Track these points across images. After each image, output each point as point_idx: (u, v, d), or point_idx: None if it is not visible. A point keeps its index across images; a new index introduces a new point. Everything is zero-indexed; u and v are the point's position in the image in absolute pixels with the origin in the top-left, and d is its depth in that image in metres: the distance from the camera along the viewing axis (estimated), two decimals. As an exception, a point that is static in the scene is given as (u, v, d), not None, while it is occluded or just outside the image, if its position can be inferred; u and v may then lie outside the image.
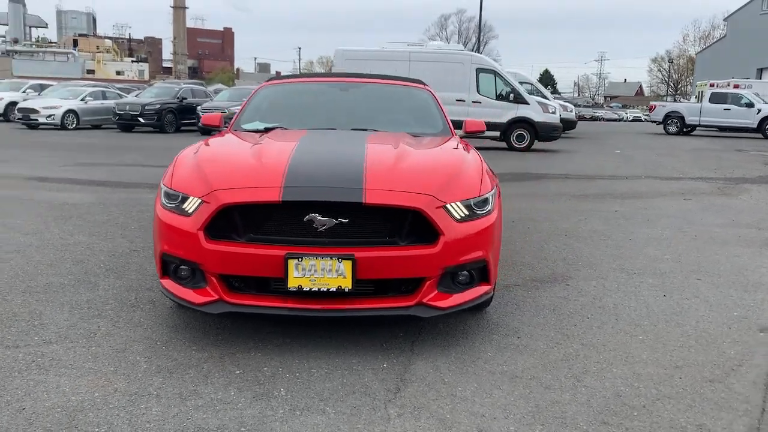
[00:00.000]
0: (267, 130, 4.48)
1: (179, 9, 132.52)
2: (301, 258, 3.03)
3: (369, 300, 3.17)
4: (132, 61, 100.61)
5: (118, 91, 25.25)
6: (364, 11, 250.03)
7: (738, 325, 3.78)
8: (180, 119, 21.95)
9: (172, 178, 3.44)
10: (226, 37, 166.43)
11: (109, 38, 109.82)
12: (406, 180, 3.26)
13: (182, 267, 3.28)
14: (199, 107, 21.42)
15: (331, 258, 3.03)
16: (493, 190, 3.52)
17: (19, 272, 4.45)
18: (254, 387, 2.85)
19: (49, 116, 21.16)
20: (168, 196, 3.36)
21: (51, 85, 26.57)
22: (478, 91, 16.59)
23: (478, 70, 16.56)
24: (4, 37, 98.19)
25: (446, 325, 3.66)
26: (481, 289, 3.43)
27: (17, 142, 16.41)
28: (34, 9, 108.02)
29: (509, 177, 11.18)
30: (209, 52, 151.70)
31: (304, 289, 3.06)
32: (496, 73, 16.74)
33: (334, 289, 3.06)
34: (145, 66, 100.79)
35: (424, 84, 5.34)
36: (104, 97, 23.39)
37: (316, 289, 3.05)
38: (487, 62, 17.27)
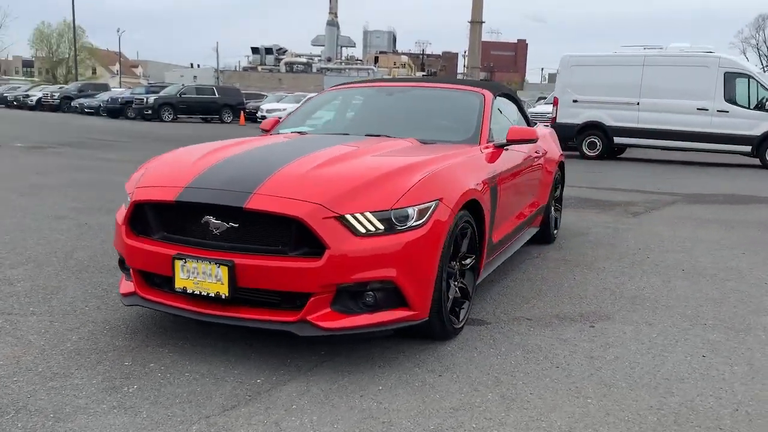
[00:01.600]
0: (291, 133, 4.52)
1: (476, 24, 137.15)
2: (186, 260, 3.02)
3: (250, 310, 3.02)
4: (422, 75, 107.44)
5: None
6: (666, 18, 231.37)
7: (753, 409, 2.75)
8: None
9: (130, 178, 3.68)
10: (518, 49, 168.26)
11: (406, 54, 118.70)
12: (305, 187, 3.03)
13: (121, 259, 3.50)
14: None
15: (211, 262, 2.97)
16: (426, 204, 3.08)
17: (98, 253, 5.14)
18: (117, 380, 2.92)
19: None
20: (126, 195, 3.60)
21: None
22: (727, 99, 14.31)
23: (728, 75, 14.29)
24: (320, 56, 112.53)
25: (382, 348, 3.31)
26: (394, 314, 3.04)
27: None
28: (346, 31, 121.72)
29: (720, 199, 9.48)
30: (501, 64, 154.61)
31: (188, 291, 3.04)
32: (750, 77, 14.26)
33: (213, 295, 2.99)
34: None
35: (483, 88, 4.82)
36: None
37: (198, 293, 3.02)
38: (740, 65, 14.81)
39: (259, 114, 29.19)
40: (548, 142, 5.71)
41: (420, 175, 3.22)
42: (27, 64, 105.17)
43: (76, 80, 52.24)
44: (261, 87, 64.69)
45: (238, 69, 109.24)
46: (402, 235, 2.99)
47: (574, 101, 15.67)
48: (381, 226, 2.97)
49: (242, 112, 31.88)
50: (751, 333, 3.67)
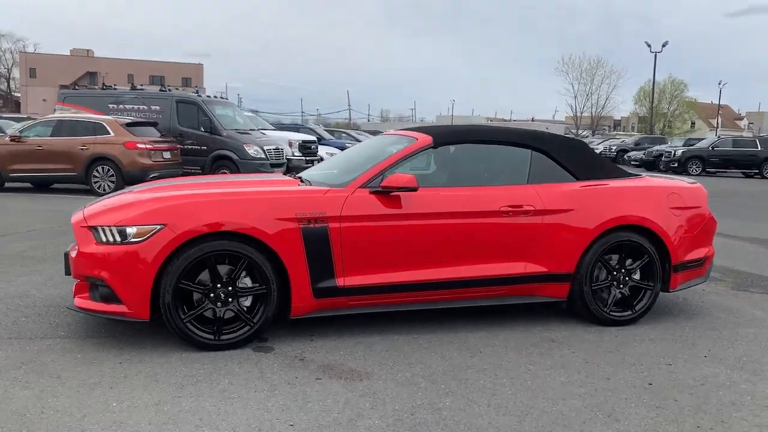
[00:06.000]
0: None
1: None
2: (67, 254, 4.65)
3: (76, 286, 4.41)
4: None
5: None
6: None
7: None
8: None
9: None
10: None
11: None
12: (99, 207, 4.30)
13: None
14: None
15: (66, 254, 4.54)
16: (147, 227, 3.90)
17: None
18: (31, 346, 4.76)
19: None
20: None
21: None
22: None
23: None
24: None
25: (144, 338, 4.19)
26: (115, 308, 3.99)
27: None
28: None
29: None
30: None
31: (70, 273, 4.68)
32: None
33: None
34: None
35: (428, 134, 4.55)
36: None
37: (70, 273, 4.64)
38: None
39: None
40: (582, 200, 4.62)
41: (158, 205, 4.03)
42: (642, 120, 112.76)
43: (660, 133, 54.65)
44: None
45: None
46: (121, 247, 3.93)
47: None
48: (119, 238, 3.98)
49: None
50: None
